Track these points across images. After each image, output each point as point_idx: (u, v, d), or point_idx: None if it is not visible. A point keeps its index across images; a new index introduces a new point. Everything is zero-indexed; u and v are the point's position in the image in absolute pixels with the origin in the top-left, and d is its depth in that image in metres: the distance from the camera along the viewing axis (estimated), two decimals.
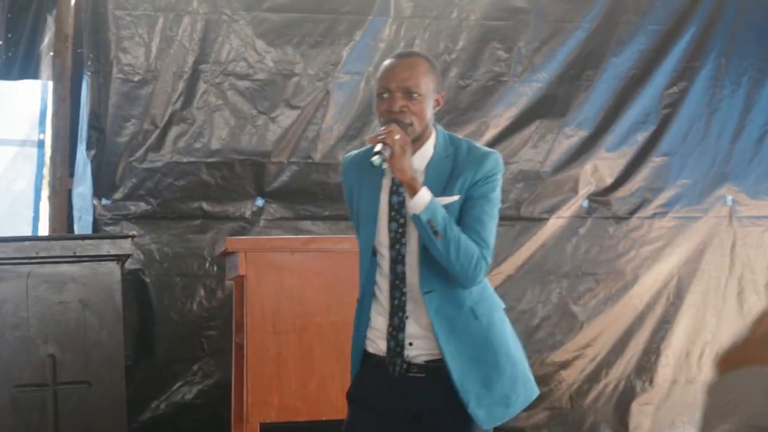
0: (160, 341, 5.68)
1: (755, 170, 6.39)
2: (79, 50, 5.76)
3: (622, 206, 6.24)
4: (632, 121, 6.22)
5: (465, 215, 3.03)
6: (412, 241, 3.05)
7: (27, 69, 5.85)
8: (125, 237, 4.65)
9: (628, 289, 6.22)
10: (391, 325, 3.07)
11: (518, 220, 6.10)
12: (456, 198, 3.04)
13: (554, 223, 6.16)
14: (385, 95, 3.05)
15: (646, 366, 6.21)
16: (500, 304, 3.15)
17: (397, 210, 3.07)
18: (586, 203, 6.20)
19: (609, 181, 6.22)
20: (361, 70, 5.90)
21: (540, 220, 6.14)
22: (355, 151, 3.28)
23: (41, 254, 4.52)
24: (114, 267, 4.60)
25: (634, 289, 6.22)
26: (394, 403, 3.06)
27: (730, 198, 6.36)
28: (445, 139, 3.12)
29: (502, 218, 5.99)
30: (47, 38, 5.83)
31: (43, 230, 5.89)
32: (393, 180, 3.06)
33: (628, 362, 6.21)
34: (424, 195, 2.98)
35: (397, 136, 2.94)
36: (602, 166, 6.21)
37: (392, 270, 3.07)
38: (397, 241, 3.07)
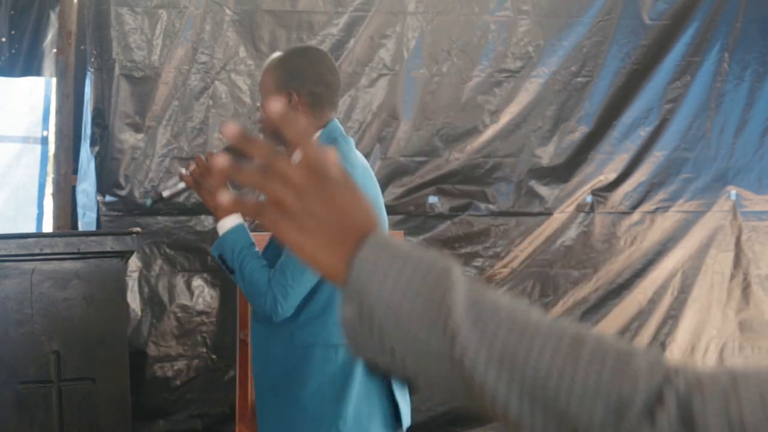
0: (163, 337, 5.68)
1: (759, 165, 6.38)
2: (82, 47, 5.77)
3: (625, 201, 6.24)
4: (635, 116, 6.22)
5: None
6: None
7: (30, 66, 5.85)
8: (129, 233, 4.66)
9: (632, 284, 6.21)
10: None
11: (521, 215, 6.10)
12: None
13: (557, 218, 6.16)
14: None
15: None
16: (334, 341, 2.82)
17: None
18: (589, 198, 6.20)
19: (612, 176, 6.22)
20: (363, 67, 5.90)
21: (543, 215, 6.14)
22: None
23: (45, 251, 4.52)
24: (118, 263, 4.60)
25: (638, 284, 6.22)
26: None
27: (734, 192, 6.36)
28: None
29: (506, 213, 6.06)
30: (50, 35, 5.83)
31: (47, 227, 5.90)
32: None
33: None
34: (220, 227, 2.84)
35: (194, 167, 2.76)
36: (605, 161, 6.21)
37: None
38: None
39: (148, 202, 2.80)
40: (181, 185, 3.04)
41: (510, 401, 0.95)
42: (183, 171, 2.92)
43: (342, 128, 2.97)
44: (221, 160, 1.07)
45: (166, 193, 3.24)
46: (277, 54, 3.00)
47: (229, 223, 2.85)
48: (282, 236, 1.05)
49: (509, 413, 0.95)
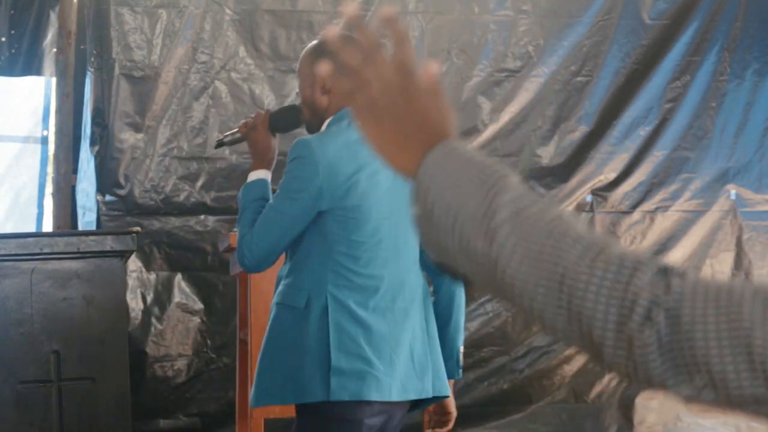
0: (163, 337, 5.68)
1: (759, 164, 6.38)
2: (82, 47, 5.77)
3: (625, 201, 6.24)
4: (635, 115, 6.22)
5: None
6: None
7: (30, 66, 5.85)
8: (129, 233, 4.65)
9: None
10: None
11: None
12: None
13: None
14: None
15: None
16: (298, 304, 2.92)
17: None
18: (589, 198, 6.20)
19: (612, 175, 6.22)
20: None
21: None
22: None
23: (45, 250, 4.52)
24: (117, 263, 4.60)
25: None
26: None
27: (734, 192, 6.36)
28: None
29: None
30: (50, 35, 5.83)
31: (47, 227, 5.90)
32: None
33: None
34: (249, 176, 3.07)
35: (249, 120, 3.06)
36: (605, 161, 6.21)
37: None
38: None
39: (223, 141, 3.03)
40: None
41: (535, 299, 1.03)
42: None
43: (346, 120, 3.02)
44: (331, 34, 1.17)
45: (227, 139, 3.42)
46: (314, 41, 3.20)
47: (255, 175, 3.06)
48: (362, 125, 1.13)
49: (536, 312, 1.04)
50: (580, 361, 6.12)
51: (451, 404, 3.05)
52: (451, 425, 3.05)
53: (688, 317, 0.98)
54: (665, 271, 1.01)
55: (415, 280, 2.98)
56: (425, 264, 3.00)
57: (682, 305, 0.98)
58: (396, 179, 2.80)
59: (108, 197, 5.63)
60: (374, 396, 2.88)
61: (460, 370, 3.07)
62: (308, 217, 2.90)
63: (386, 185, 2.94)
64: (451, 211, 1.07)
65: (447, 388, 2.99)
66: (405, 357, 2.91)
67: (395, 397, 2.91)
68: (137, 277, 5.65)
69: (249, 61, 5.80)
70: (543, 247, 1.03)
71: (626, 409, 6.17)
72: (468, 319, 5.84)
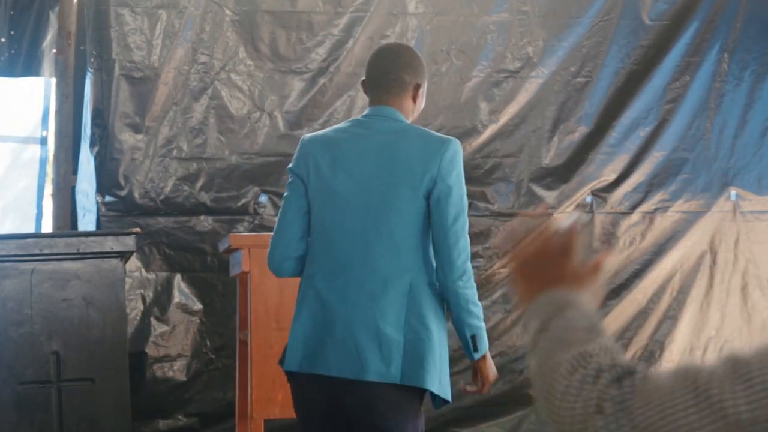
0: (162, 337, 5.68)
1: (759, 165, 6.38)
2: (82, 47, 5.77)
3: (625, 201, 6.24)
4: (635, 116, 6.22)
5: None
6: None
7: (30, 66, 5.85)
8: (128, 234, 4.65)
9: (631, 284, 6.21)
10: None
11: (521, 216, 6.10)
12: None
13: (557, 219, 6.15)
14: None
15: (649, 361, 6.21)
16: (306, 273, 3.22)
17: None
18: (589, 198, 6.20)
19: (612, 176, 6.22)
20: (362, 67, 5.90)
21: (542, 216, 6.12)
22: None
23: (45, 251, 4.52)
24: (117, 264, 4.60)
25: (637, 285, 6.21)
26: None
27: (733, 193, 6.36)
28: None
29: (506, 214, 6.06)
30: (50, 35, 5.83)
31: (47, 227, 5.89)
32: None
33: (631, 358, 6.20)
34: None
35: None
36: (605, 162, 6.21)
37: None
38: None
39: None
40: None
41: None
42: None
43: (359, 116, 3.34)
44: None
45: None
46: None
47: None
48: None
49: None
50: None
51: (485, 368, 3.23)
52: (483, 389, 3.27)
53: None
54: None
55: (389, 268, 3.08)
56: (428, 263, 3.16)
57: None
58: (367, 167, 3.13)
59: (108, 198, 5.63)
60: (285, 366, 3.16)
61: (475, 354, 3.18)
62: None
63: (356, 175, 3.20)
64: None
65: (421, 379, 3.07)
66: (363, 337, 3.06)
67: (303, 368, 3.13)
68: (137, 277, 5.65)
69: (249, 61, 5.80)
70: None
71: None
72: None
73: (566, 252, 1.48)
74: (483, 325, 3.18)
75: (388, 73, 3.30)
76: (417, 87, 3.28)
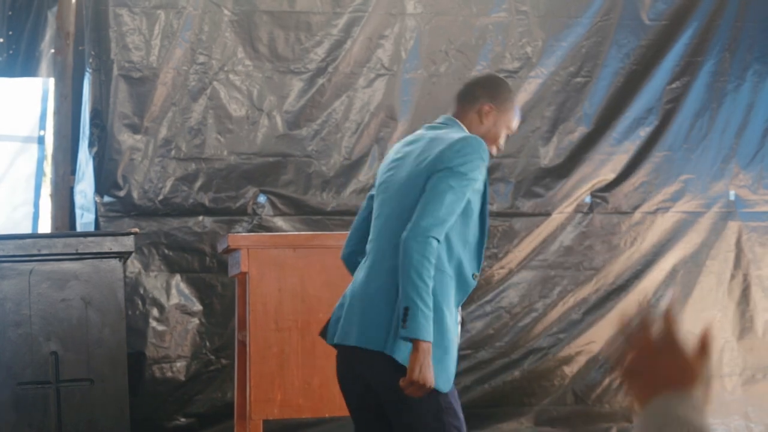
0: (161, 338, 5.67)
1: (759, 165, 6.37)
2: (80, 47, 5.76)
3: (624, 201, 6.23)
4: (635, 116, 6.21)
5: None
6: None
7: (28, 66, 5.85)
8: (127, 234, 4.65)
9: (631, 284, 6.20)
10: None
11: (520, 215, 6.09)
12: None
13: (557, 219, 6.15)
14: None
15: None
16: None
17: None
18: (588, 198, 6.19)
19: (612, 176, 6.21)
20: (361, 67, 5.90)
21: (542, 216, 6.13)
22: None
23: (43, 252, 4.52)
24: (116, 264, 4.60)
25: (638, 285, 6.21)
26: None
27: (733, 193, 6.35)
28: None
29: (505, 214, 6.05)
30: (48, 36, 5.83)
31: (45, 227, 5.89)
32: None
33: None
34: None
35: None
36: (605, 162, 6.20)
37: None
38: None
39: None
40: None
41: None
42: None
43: (432, 123, 3.41)
44: None
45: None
46: None
47: None
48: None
49: None
50: (580, 362, 6.11)
51: (414, 362, 2.97)
52: (407, 389, 2.98)
53: None
54: None
55: (384, 246, 3.17)
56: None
57: None
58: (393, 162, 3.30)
59: (106, 198, 5.62)
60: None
61: (402, 330, 2.95)
62: None
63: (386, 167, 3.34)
64: None
65: (369, 340, 3.10)
66: (346, 307, 3.21)
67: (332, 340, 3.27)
68: (136, 278, 5.64)
69: (247, 62, 5.79)
70: None
71: (626, 410, 6.16)
72: (468, 320, 5.83)
73: (670, 342, 1.42)
74: (424, 308, 2.95)
75: (466, 85, 3.47)
76: (487, 106, 3.38)
